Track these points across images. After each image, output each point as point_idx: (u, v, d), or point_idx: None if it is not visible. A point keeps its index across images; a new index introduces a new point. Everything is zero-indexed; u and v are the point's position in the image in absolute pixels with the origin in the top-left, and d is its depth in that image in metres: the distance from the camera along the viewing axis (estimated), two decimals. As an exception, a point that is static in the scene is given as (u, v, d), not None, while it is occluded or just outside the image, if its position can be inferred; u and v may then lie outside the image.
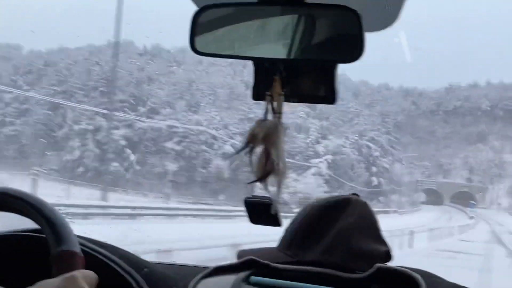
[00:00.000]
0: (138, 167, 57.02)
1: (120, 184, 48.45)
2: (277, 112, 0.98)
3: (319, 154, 68.24)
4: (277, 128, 0.96)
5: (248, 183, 0.94)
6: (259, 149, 0.96)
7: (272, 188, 0.97)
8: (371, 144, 76.02)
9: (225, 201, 52.30)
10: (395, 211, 56.72)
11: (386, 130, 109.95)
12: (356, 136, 75.43)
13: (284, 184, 0.95)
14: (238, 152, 0.97)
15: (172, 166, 59.67)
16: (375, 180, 72.22)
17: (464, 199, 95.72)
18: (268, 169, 0.95)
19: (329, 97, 1.02)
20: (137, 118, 60.62)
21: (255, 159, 0.96)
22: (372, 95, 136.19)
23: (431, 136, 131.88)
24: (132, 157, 57.08)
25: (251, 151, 0.96)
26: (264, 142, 0.95)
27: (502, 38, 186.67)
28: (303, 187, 55.34)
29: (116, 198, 33.16)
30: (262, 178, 0.96)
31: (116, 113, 52.47)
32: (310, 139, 72.40)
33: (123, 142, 56.56)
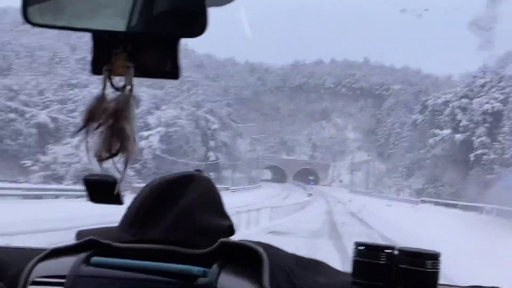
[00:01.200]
0: None
1: None
2: (127, 86, 0.94)
3: (150, 127, 59.77)
4: (129, 102, 0.93)
5: (98, 161, 0.92)
6: (106, 125, 0.91)
7: (119, 166, 0.94)
8: (209, 117, 69.05)
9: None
10: (226, 189, 50.43)
11: (227, 103, 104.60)
12: (193, 107, 67.81)
13: (131, 160, 0.93)
14: (81, 129, 0.93)
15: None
16: (212, 155, 65.42)
17: (307, 176, 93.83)
18: (118, 146, 0.91)
19: (172, 72, 0.98)
20: None
21: (103, 135, 0.92)
22: (218, 69, 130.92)
23: (276, 113, 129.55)
24: None
25: (97, 128, 0.92)
26: (115, 117, 0.91)
27: (346, 17, 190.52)
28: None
29: None
30: (111, 156, 0.92)
31: None
32: (140, 109, 63.43)
33: None
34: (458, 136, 54.38)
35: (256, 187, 72.46)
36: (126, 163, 0.94)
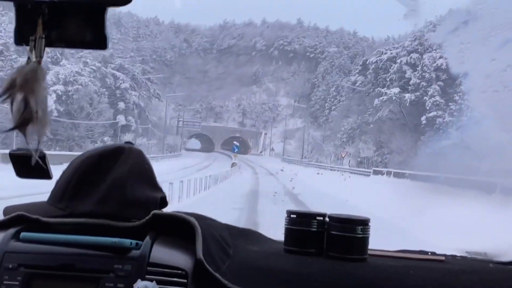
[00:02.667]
0: None
1: None
2: (37, 57, 0.93)
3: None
4: (36, 74, 0.91)
5: (4, 132, 0.93)
6: (19, 96, 0.90)
7: (32, 138, 0.92)
8: (118, 74, 58.39)
9: None
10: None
11: (143, 59, 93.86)
12: (99, 63, 56.90)
13: (44, 133, 0.91)
14: None
15: None
16: (122, 119, 55.13)
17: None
18: (26, 117, 0.90)
19: (99, 41, 0.97)
20: None
21: (14, 107, 0.90)
22: (139, 29, 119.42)
23: (204, 76, 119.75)
24: None
25: (10, 99, 0.90)
26: (23, 88, 0.89)
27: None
28: None
29: None
30: (19, 126, 0.90)
31: None
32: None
33: None
34: (408, 96, 46.86)
35: (173, 156, 63.18)
36: (38, 136, 0.91)
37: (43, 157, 0.96)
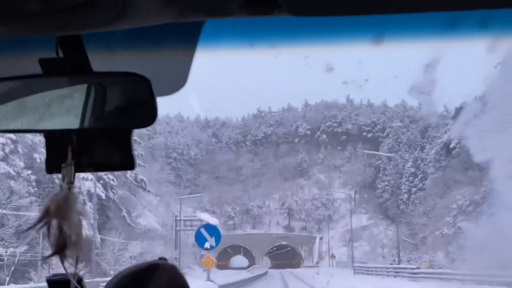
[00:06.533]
0: None
1: None
2: (68, 183, 0.96)
3: None
4: (68, 200, 0.94)
5: (43, 258, 1.01)
6: (54, 223, 0.93)
7: (70, 263, 0.94)
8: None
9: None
10: None
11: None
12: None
13: (80, 257, 0.93)
14: (31, 227, 0.93)
15: None
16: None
17: (284, 256, 59.46)
18: (61, 243, 0.92)
19: (127, 163, 1.01)
20: None
21: (51, 234, 0.93)
22: (155, 125, 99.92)
23: (237, 174, 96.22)
24: None
25: (47, 226, 0.93)
26: (56, 215, 0.93)
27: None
28: None
29: None
30: (57, 252, 0.92)
31: None
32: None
33: None
34: None
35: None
36: (76, 260, 0.93)
37: (80, 280, 0.97)
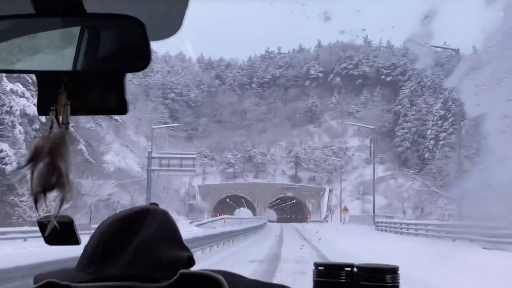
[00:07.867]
0: None
1: None
2: (63, 123, 0.96)
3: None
4: (64, 140, 0.94)
5: (30, 195, 0.90)
6: (43, 163, 0.91)
7: (54, 203, 0.93)
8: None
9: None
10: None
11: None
12: None
13: (70, 199, 0.93)
14: (22, 167, 0.92)
15: None
16: None
17: (291, 207, 51.95)
18: (52, 183, 0.91)
19: (119, 107, 1.01)
20: None
21: (36, 174, 0.91)
22: (153, 63, 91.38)
23: (241, 119, 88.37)
24: None
25: (35, 165, 0.92)
26: (51, 154, 0.92)
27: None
28: None
29: None
30: (44, 192, 0.92)
31: None
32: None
33: None
34: None
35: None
36: (61, 201, 0.93)
37: (71, 223, 0.99)
